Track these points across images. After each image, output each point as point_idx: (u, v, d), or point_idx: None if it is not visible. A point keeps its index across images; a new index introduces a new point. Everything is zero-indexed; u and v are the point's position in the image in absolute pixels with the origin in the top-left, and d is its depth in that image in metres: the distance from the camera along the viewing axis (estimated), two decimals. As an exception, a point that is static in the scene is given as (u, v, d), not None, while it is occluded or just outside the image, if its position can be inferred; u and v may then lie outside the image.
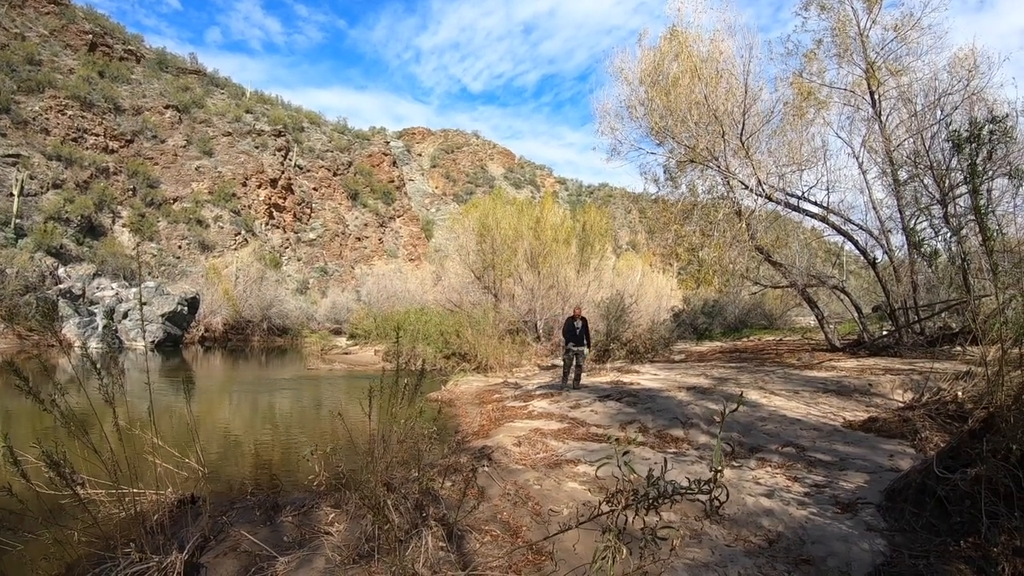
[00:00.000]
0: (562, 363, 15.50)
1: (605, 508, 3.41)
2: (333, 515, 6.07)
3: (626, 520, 3.19)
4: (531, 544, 5.24)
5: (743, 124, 16.27)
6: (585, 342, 14.78)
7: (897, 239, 17.75)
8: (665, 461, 3.52)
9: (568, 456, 8.32)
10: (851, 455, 7.36)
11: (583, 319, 14.78)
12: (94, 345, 29.18)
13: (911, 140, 16.89)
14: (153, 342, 32.60)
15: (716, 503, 3.04)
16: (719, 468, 2.99)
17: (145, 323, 32.98)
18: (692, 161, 17.37)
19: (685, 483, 3.16)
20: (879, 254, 17.87)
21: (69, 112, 57.90)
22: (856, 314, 18.03)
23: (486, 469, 7.75)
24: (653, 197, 19.92)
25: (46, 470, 4.30)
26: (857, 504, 5.64)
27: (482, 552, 5.22)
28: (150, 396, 5.62)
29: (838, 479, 6.54)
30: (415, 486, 5.76)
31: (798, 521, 5.39)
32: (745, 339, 30.06)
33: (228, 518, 6.26)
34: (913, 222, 16.98)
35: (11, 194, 44.46)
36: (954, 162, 15.89)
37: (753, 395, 11.27)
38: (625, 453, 3.19)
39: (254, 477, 8.82)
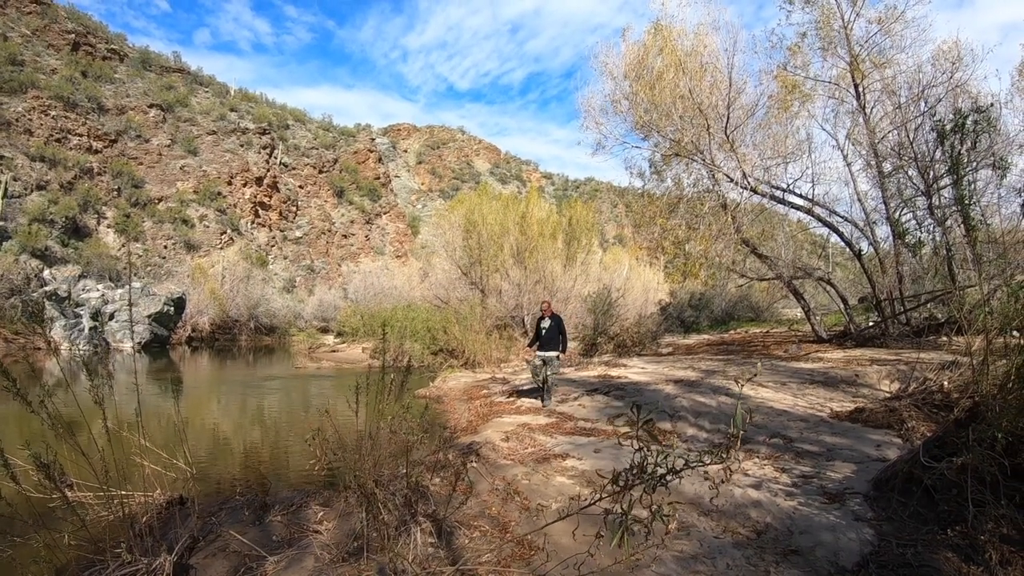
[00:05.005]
0: (530, 372, 12.63)
1: (609, 490, 3.40)
2: (322, 513, 6.07)
3: (631, 500, 3.18)
4: (520, 538, 5.25)
5: (728, 117, 16.28)
6: (560, 346, 12.08)
7: (882, 231, 17.84)
8: (675, 436, 3.52)
9: (556, 451, 8.33)
10: (838, 445, 7.41)
11: (554, 316, 12.20)
12: (81, 347, 29.05)
13: (895, 132, 16.96)
14: (140, 343, 32.46)
15: (728, 472, 3.05)
16: (738, 432, 2.99)
17: (132, 324, 32.84)
18: (677, 155, 17.38)
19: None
20: (864, 246, 17.97)
21: (52, 112, 57.40)
22: (842, 305, 18.09)
23: (474, 465, 7.77)
24: (639, 191, 19.94)
25: (34, 473, 4.28)
26: (845, 494, 5.67)
27: (471, 547, 5.23)
28: (137, 398, 5.60)
29: (825, 470, 6.58)
30: (403, 482, 5.76)
31: (786, 512, 5.41)
32: (732, 331, 30.22)
33: (217, 519, 6.27)
34: (898, 213, 17.07)
35: (-6, 196, 44.15)
36: (938, 154, 15.99)
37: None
38: (618, 443, 3.21)
39: (243, 477, 8.80)
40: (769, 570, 4.43)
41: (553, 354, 11.99)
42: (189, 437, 11.26)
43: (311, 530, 5.72)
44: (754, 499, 5.81)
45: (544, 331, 12.02)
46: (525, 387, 14.60)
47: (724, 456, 3.02)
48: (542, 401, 12.08)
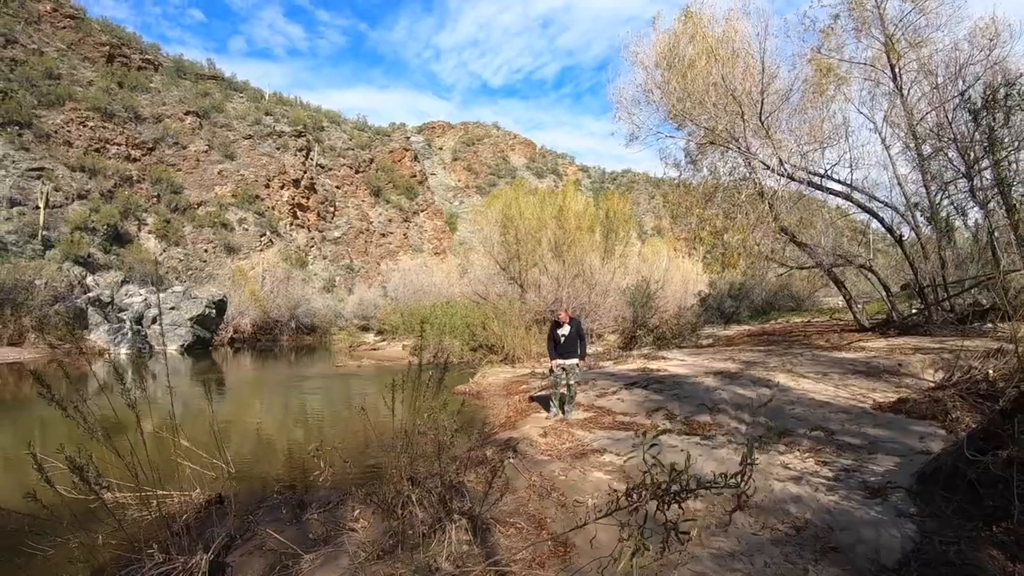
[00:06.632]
0: (552, 381, 11.53)
1: (624, 503, 3.35)
2: (359, 511, 6.09)
3: (645, 515, 3.13)
4: (555, 536, 5.21)
5: (762, 103, 16.04)
6: (579, 351, 11.04)
7: (923, 215, 17.45)
8: (687, 454, 3.45)
9: (594, 445, 8.29)
10: (881, 438, 7.24)
11: (573, 320, 11.17)
12: (124, 351, 29.52)
13: (934, 113, 16.55)
14: (183, 345, 32.95)
15: (744, 497, 2.96)
16: (751, 461, 2.91)
17: (174, 327, 33.37)
18: (712, 143, 17.16)
19: (715, 468, 3.10)
20: (906, 231, 17.58)
21: (90, 123, 58.47)
22: (884, 293, 17.76)
23: (512, 461, 7.74)
24: (675, 182, 19.75)
25: (72, 476, 4.35)
26: (887, 489, 5.53)
27: (506, 545, 5.21)
28: (171, 400, 5.68)
29: (867, 463, 6.43)
30: (439, 480, 5.76)
31: (826, 507, 5.30)
32: (773, 322, 29.78)
33: (255, 517, 6.34)
34: (939, 197, 16.68)
35: (37, 207, 45.07)
36: (977, 134, 15.58)
37: (781, 378, 11.13)
38: (653, 445, 3.14)
39: (287, 475, 8.88)
40: (808, 568, 4.34)
41: (574, 361, 10.98)
42: (232, 437, 11.42)
43: (347, 528, 5.75)
44: (794, 494, 5.70)
45: (563, 339, 10.99)
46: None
47: (738, 481, 2.93)
48: (562, 412, 11.06)
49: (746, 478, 2.91)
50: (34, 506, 4.05)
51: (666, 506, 3.08)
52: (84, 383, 16.53)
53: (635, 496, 3.22)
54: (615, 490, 3.47)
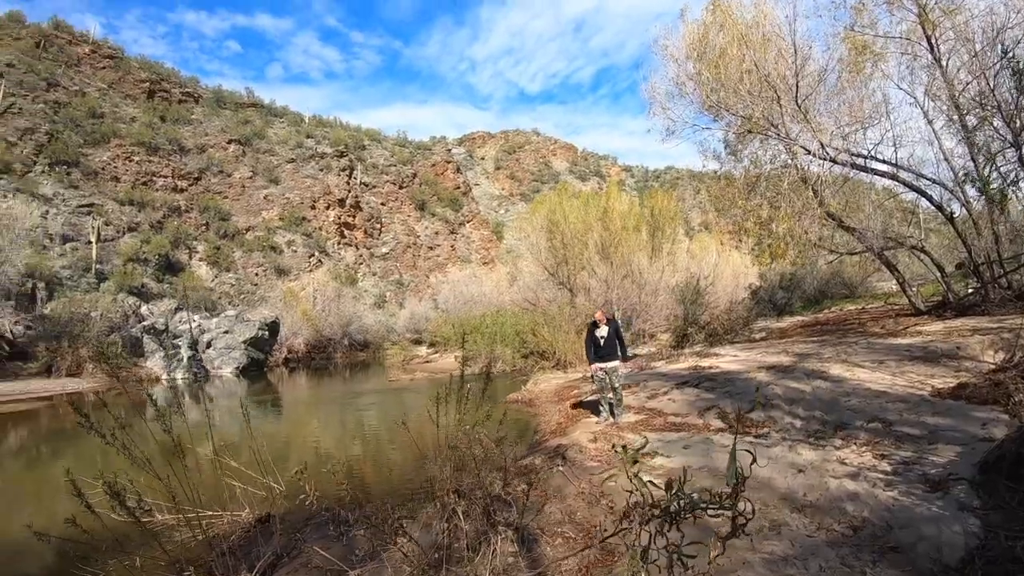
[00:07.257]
0: (596, 386, 11.34)
1: (624, 525, 3.24)
2: (405, 526, 6.04)
3: (650, 537, 2.99)
4: (603, 544, 5.09)
5: (796, 87, 15.65)
6: (619, 352, 10.98)
7: (973, 190, 16.84)
8: (683, 468, 3.30)
9: (644, 449, 8.11)
10: (941, 426, 6.93)
11: (610, 321, 11.07)
12: (180, 376, 30.15)
13: (975, 82, 15.95)
14: (238, 368, 33.52)
15: (742, 520, 2.79)
16: (737, 481, 2.75)
17: (229, 350, 34.02)
18: (750, 132, 16.81)
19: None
20: (956, 207, 16.98)
21: (136, 158, 60.22)
22: (939, 274, 17.19)
23: (561, 469, 7.66)
24: (717, 174, 19.47)
25: (110, 500, 4.40)
26: (948, 481, 5.25)
27: (552, 555, 5.12)
28: (209, 423, 5.72)
29: (927, 454, 6.15)
30: (482, 492, 5.69)
31: (885, 504, 5.05)
32: (826, 311, 29.17)
33: (303, 535, 6.40)
34: (987, 169, 16.08)
35: (89, 241, 46.69)
36: (1022, 99, 14.99)
37: (836, 369, 10.82)
38: (636, 460, 3.02)
39: (334, 492, 8.88)
40: (865, 571, 4.12)
41: (615, 363, 10.87)
42: (289, 455, 11.54)
43: (393, 543, 5.70)
44: (851, 491, 5.47)
45: (603, 340, 10.85)
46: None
47: (732, 503, 2.77)
48: (612, 416, 10.86)
49: (736, 500, 2.75)
50: (79, 531, 4.10)
51: (667, 527, 2.94)
52: (142, 410, 16.82)
53: (633, 518, 3.09)
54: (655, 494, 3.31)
